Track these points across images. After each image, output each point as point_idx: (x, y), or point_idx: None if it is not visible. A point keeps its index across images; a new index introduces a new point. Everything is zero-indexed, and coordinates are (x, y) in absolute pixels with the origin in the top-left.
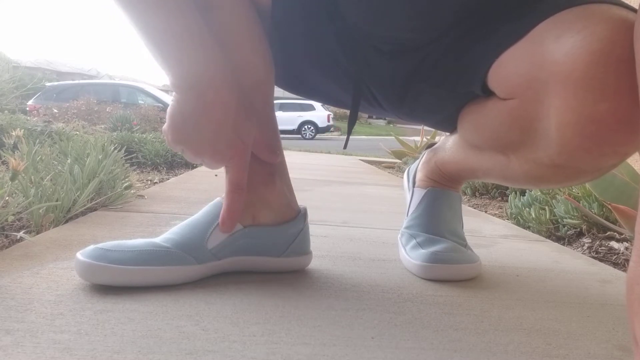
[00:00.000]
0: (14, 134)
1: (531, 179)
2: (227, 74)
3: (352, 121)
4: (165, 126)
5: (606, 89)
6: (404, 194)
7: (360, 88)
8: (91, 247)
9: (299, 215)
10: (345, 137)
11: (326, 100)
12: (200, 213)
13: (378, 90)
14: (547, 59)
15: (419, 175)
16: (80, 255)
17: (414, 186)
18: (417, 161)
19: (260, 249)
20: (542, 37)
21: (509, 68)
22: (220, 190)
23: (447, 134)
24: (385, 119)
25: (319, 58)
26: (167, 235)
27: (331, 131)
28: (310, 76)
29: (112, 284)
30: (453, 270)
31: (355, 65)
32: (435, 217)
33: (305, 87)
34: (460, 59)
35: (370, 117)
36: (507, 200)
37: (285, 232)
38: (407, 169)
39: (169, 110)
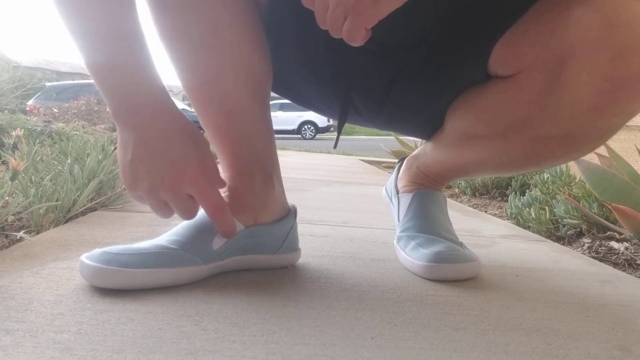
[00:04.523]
0: (14, 134)
1: (535, 158)
2: (161, 99)
3: (341, 121)
4: (119, 172)
5: (617, 48)
6: (387, 209)
7: (347, 92)
8: (98, 251)
9: (290, 213)
10: (336, 135)
11: (312, 107)
12: (202, 214)
13: (359, 96)
14: (558, 26)
15: (401, 183)
16: (88, 260)
17: (397, 194)
18: (392, 176)
19: (258, 247)
20: (548, 8)
21: (515, 42)
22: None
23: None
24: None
25: (308, 63)
26: (170, 236)
27: (331, 131)
28: (298, 82)
29: (122, 288)
30: (457, 269)
31: (342, 71)
32: (428, 217)
33: (293, 92)
34: (457, 51)
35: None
36: (507, 200)
37: (280, 229)
38: (384, 187)
39: (117, 155)
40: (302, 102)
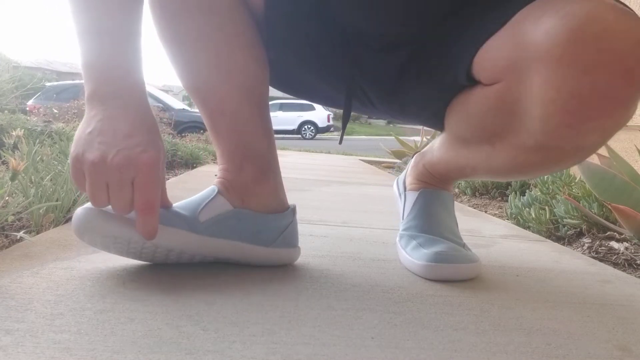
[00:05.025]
0: (14, 134)
1: (517, 167)
2: (135, 88)
3: (345, 118)
4: (73, 143)
5: (584, 65)
6: (395, 203)
7: (353, 87)
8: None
9: (289, 210)
10: (341, 133)
11: (320, 100)
12: (195, 195)
13: (370, 89)
14: (528, 39)
15: (408, 180)
16: (79, 210)
17: (405, 191)
18: (404, 171)
19: (250, 235)
20: (524, 20)
21: (493, 52)
22: None
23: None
24: (372, 117)
25: (313, 60)
26: None
27: (331, 131)
28: (304, 78)
29: (107, 235)
30: (456, 269)
31: (347, 65)
32: (432, 217)
33: (300, 88)
34: (447, 51)
35: (370, 117)
36: (507, 200)
37: (274, 222)
38: (395, 179)
39: (77, 131)
40: (318, 100)
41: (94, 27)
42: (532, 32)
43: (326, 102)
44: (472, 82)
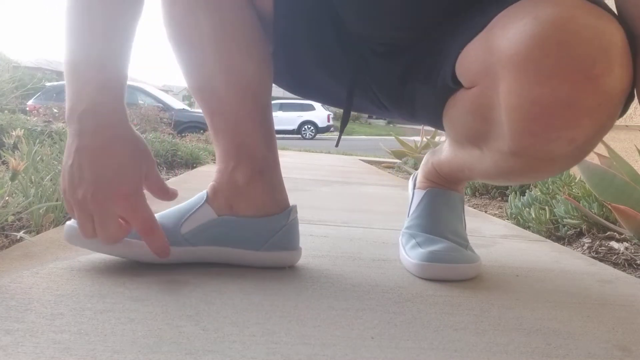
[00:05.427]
0: (14, 134)
1: (502, 172)
2: (117, 108)
3: (344, 122)
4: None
5: (545, 72)
6: (408, 198)
7: (353, 91)
8: None
9: (284, 212)
10: (338, 135)
11: (330, 101)
12: (186, 202)
13: (380, 91)
14: (495, 44)
15: (419, 178)
16: (70, 222)
17: (414, 188)
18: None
19: (236, 240)
20: (496, 24)
21: (470, 56)
22: None
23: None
24: (385, 119)
25: (323, 61)
26: None
27: (331, 131)
28: (314, 78)
29: (89, 249)
30: (450, 270)
31: (354, 68)
32: (434, 217)
33: (310, 89)
34: (438, 55)
35: (370, 117)
36: (507, 200)
37: (264, 226)
38: (411, 176)
39: (63, 158)
40: (325, 100)
41: (86, 24)
42: (499, 38)
43: (334, 102)
44: (459, 85)
